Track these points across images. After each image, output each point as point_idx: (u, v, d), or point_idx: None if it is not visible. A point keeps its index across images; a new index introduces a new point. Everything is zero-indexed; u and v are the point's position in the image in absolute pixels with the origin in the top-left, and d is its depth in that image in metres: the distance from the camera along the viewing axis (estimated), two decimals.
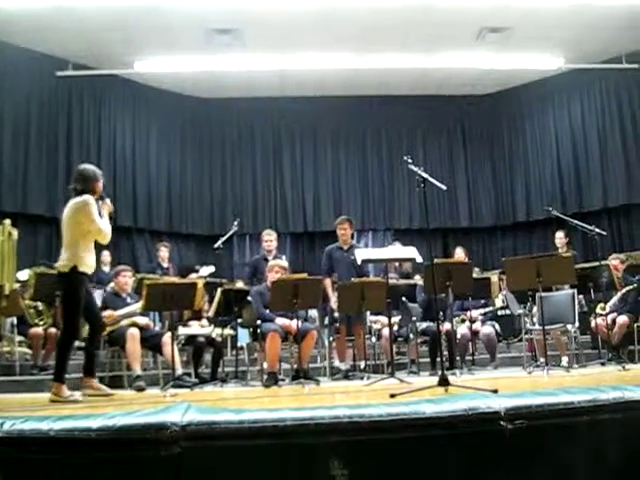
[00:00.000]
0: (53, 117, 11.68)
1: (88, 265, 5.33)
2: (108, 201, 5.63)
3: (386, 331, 7.39)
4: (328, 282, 7.71)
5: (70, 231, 5.31)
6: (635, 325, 7.55)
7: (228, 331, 7.95)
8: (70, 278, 5.21)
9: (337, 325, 7.55)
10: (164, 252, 10.00)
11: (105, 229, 5.38)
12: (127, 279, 7.43)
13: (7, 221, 9.03)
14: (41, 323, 7.91)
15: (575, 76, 12.92)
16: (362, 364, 7.48)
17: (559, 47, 11.81)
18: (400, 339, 8.05)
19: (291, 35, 10.93)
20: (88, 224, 5.28)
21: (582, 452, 3.02)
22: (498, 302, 8.63)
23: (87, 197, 5.33)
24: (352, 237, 8.14)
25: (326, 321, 8.21)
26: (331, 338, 7.85)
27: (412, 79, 13.04)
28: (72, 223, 5.31)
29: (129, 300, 7.26)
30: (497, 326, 8.17)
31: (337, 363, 7.58)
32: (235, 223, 8.24)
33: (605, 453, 3.03)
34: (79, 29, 10.46)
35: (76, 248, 5.26)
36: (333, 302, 7.47)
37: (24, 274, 8.41)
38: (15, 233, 8.97)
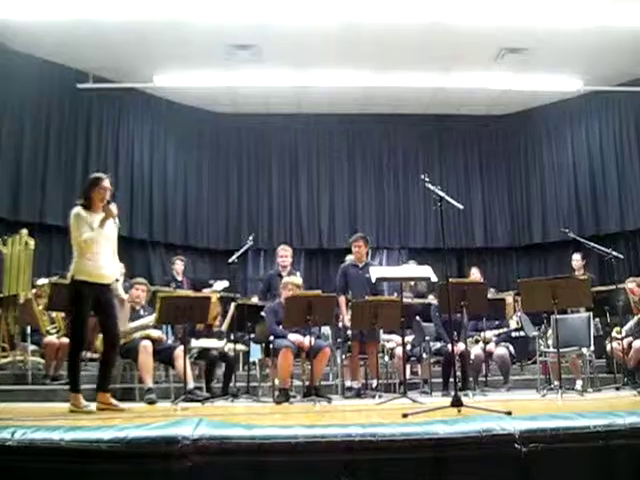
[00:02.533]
0: (72, 129, 11.78)
1: (88, 272, 5.33)
2: (112, 206, 5.53)
3: (399, 350, 7.34)
4: (342, 300, 7.68)
5: (72, 242, 5.43)
6: None
7: (240, 346, 7.94)
8: (70, 288, 5.35)
9: (349, 343, 7.51)
10: (179, 266, 10.02)
11: (83, 238, 5.30)
12: (140, 292, 7.43)
13: (24, 231, 9.08)
14: (53, 332, 7.92)
15: (593, 98, 12.89)
16: (374, 383, 7.44)
17: (578, 69, 11.79)
18: (413, 359, 8.01)
19: (309, 52, 10.98)
20: (75, 236, 5.34)
21: (597, 477, 2.98)
22: (512, 323, 8.58)
23: (75, 209, 5.43)
24: (367, 255, 8.12)
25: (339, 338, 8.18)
26: (343, 356, 7.81)
27: (430, 98, 13.06)
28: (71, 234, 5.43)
29: (142, 312, 7.27)
30: (511, 348, 8.12)
31: (349, 382, 7.52)
32: (250, 238, 8.24)
33: (620, 478, 2.99)
34: (100, 42, 10.57)
35: (76, 257, 5.37)
36: (347, 320, 7.43)
37: (43, 281, 8.44)
38: (32, 243, 9.02)
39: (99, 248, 5.40)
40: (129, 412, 5.21)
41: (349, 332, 7.46)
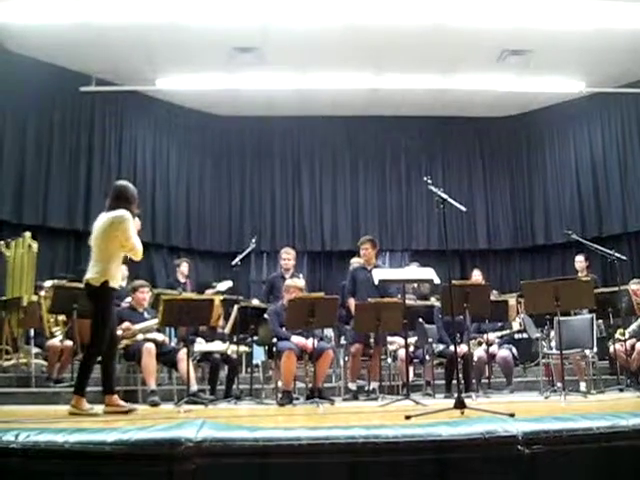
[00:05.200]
0: (75, 132, 11.81)
1: (117, 280, 5.39)
2: (137, 220, 5.59)
3: (402, 352, 7.34)
4: (352, 302, 7.67)
5: (104, 245, 5.29)
6: None
7: (243, 348, 7.94)
8: (101, 292, 5.23)
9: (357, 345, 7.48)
10: (184, 267, 10.00)
11: (139, 247, 5.38)
12: (145, 295, 7.46)
13: (27, 234, 9.11)
14: (57, 334, 7.92)
15: (596, 100, 12.89)
16: (375, 385, 7.40)
17: (580, 71, 11.79)
18: (416, 360, 8.00)
19: (312, 55, 11.00)
20: (123, 240, 5.27)
21: (600, 479, 2.98)
22: (515, 325, 8.56)
23: (125, 212, 5.32)
24: (377, 257, 8.13)
25: (342, 341, 8.17)
26: (346, 358, 7.81)
27: (432, 100, 13.05)
28: (107, 237, 5.28)
29: (146, 315, 7.28)
30: (514, 349, 8.11)
31: (350, 384, 7.51)
32: (253, 240, 8.25)
33: None
34: (103, 46, 10.60)
35: (108, 263, 5.27)
36: None
37: (49, 283, 8.45)
38: (35, 246, 9.04)
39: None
40: (134, 414, 5.21)
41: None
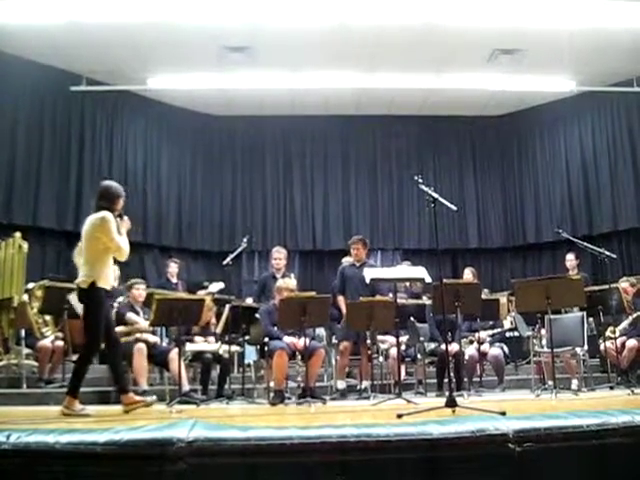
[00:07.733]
0: (66, 131, 11.77)
1: (106, 281, 5.33)
2: (126, 219, 5.57)
3: (394, 351, 7.34)
4: (341, 299, 7.69)
5: (90, 247, 5.31)
6: None
7: (235, 348, 7.93)
8: (90, 293, 5.22)
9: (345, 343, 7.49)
10: (173, 268, 9.97)
11: (124, 246, 5.35)
12: (141, 291, 7.47)
13: (17, 234, 9.06)
14: (48, 334, 7.90)
15: (586, 99, 12.93)
16: (367, 383, 7.40)
17: (571, 70, 11.82)
18: (408, 359, 8.00)
19: (303, 54, 10.99)
20: (107, 241, 5.26)
21: (591, 476, 3.00)
22: (507, 324, 8.60)
23: (105, 213, 5.31)
24: (367, 256, 8.15)
25: (334, 340, 8.17)
26: (338, 357, 7.81)
27: (423, 99, 13.08)
28: (91, 239, 5.30)
29: (142, 314, 7.29)
30: (505, 348, 8.13)
31: (339, 383, 7.50)
32: (244, 240, 8.24)
33: (614, 477, 3.00)
34: (93, 45, 10.56)
35: (96, 264, 5.26)
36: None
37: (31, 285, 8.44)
38: (25, 246, 8.99)
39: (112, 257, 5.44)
40: (119, 414, 5.22)
41: None
